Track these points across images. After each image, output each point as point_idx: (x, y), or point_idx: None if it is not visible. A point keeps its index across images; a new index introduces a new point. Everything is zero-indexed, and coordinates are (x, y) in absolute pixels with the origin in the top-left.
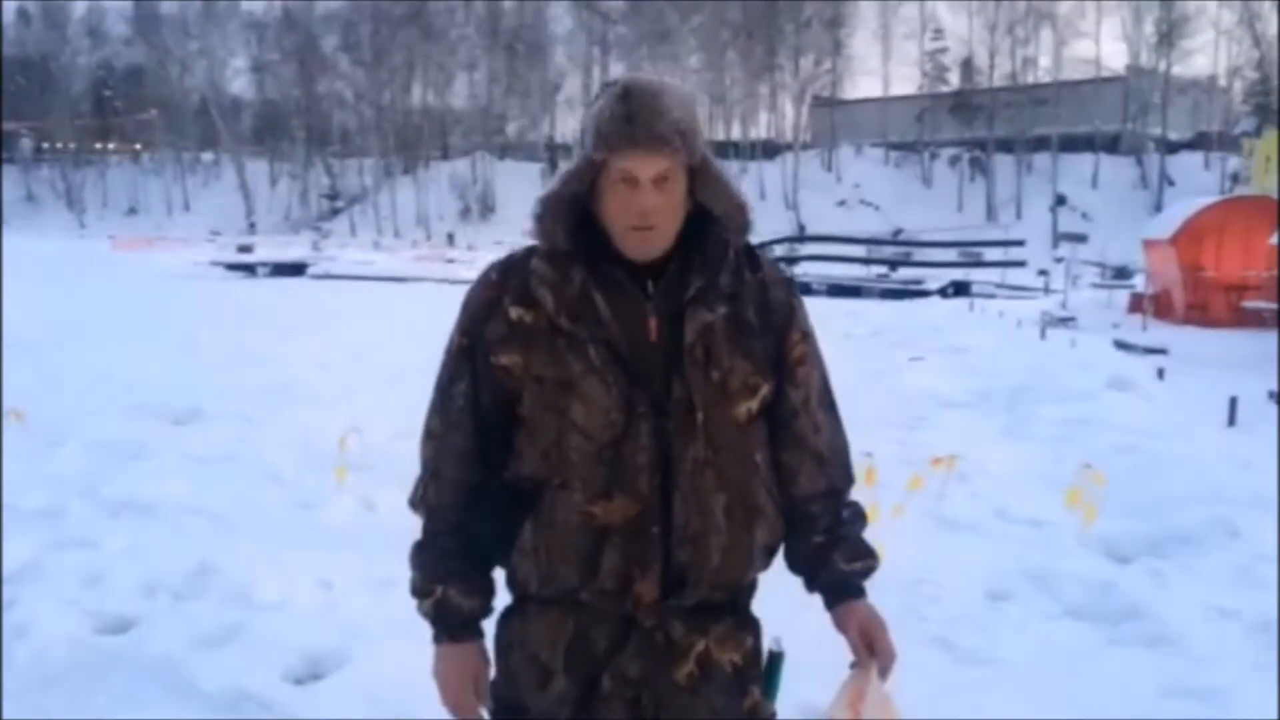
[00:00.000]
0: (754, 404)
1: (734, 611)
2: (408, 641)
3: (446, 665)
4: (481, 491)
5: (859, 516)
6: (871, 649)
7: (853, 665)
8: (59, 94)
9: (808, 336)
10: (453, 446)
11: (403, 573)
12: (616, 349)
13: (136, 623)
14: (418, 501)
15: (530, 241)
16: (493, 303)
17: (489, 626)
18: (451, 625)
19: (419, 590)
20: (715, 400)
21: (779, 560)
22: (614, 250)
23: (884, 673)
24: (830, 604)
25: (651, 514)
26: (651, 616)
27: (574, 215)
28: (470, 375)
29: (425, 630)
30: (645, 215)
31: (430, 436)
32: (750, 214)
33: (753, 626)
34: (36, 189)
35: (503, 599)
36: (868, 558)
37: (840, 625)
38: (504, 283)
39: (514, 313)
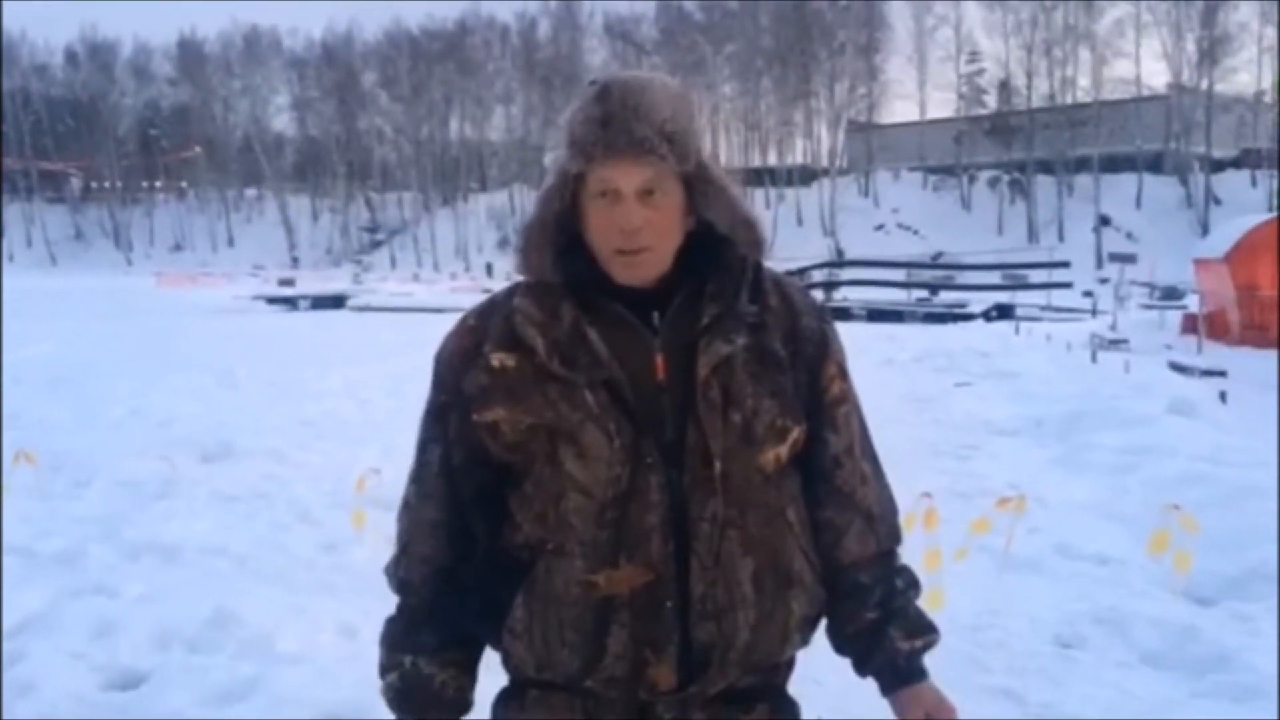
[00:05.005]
0: (783, 450)
1: (768, 697)
2: None
3: None
4: (459, 568)
5: (914, 584)
6: None
7: None
8: (106, 134)
9: (845, 373)
10: (425, 519)
11: None
12: (618, 391)
13: (147, 678)
14: (390, 576)
15: (514, 279)
16: (469, 351)
17: (481, 711)
18: (421, 703)
19: (383, 666)
20: (737, 447)
21: (819, 633)
22: (609, 280)
23: None
24: (889, 689)
25: (665, 585)
26: (671, 707)
27: (562, 239)
28: (443, 438)
29: None
30: (630, 236)
31: (406, 506)
32: (761, 230)
33: (791, 713)
34: (85, 227)
35: (500, 679)
36: (929, 633)
37: (902, 712)
38: (482, 327)
39: (495, 359)
